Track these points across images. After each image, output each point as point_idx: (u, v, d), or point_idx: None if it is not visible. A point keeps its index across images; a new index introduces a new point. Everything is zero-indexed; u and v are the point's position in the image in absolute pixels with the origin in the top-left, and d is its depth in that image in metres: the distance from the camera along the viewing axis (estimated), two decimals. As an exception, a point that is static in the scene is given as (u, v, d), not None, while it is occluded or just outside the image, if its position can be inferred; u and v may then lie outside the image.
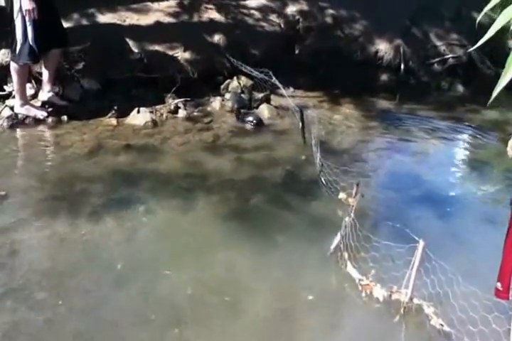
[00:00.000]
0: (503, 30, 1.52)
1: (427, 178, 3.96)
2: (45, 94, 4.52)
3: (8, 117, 4.33)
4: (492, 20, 1.48)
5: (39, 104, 4.54)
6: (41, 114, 4.40)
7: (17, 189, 3.49)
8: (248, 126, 4.64)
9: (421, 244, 2.45)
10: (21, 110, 4.38)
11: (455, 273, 2.38)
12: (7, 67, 4.42)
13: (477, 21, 1.63)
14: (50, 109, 4.47)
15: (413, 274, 2.51)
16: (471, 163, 4.45)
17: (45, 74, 4.47)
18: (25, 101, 4.40)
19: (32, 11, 3.96)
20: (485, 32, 1.49)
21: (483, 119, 5.23)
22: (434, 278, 2.45)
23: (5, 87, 4.62)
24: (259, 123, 4.66)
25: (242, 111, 4.75)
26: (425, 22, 6.15)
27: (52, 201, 3.36)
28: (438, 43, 6.05)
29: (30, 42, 4.08)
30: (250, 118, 4.66)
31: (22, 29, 4.05)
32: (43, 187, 3.52)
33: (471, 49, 3.24)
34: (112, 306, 2.55)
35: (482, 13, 1.56)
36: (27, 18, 3.99)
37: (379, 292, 2.63)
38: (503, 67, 1.44)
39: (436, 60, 5.96)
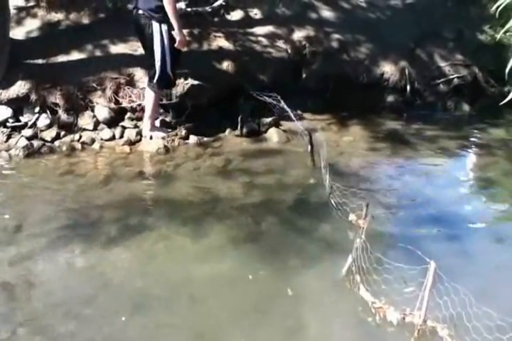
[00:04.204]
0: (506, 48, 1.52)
1: (436, 198, 3.98)
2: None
3: (24, 147, 4.46)
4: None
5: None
6: (166, 134, 4.73)
7: (33, 218, 3.56)
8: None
9: (432, 265, 2.47)
10: (152, 133, 4.68)
11: (468, 294, 2.38)
12: (23, 98, 4.57)
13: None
14: (169, 130, 4.79)
15: (426, 296, 2.52)
16: (480, 182, 4.47)
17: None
18: (154, 125, 4.73)
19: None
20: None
21: (489, 138, 5.27)
22: (448, 299, 2.45)
23: (21, 117, 4.76)
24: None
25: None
26: (429, 43, 6.22)
27: (67, 230, 3.42)
28: (442, 64, 6.12)
29: (168, 71, 4.48)
30: None
31: (161, 60, 4.41)
32: (58, 216, 3.58)
33: None
34: (128, 335, 2.56)
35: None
36: (167, 48, 4.37)
37: (392, 315, 2.64)
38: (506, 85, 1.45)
39: (442, 80, 6.02)
